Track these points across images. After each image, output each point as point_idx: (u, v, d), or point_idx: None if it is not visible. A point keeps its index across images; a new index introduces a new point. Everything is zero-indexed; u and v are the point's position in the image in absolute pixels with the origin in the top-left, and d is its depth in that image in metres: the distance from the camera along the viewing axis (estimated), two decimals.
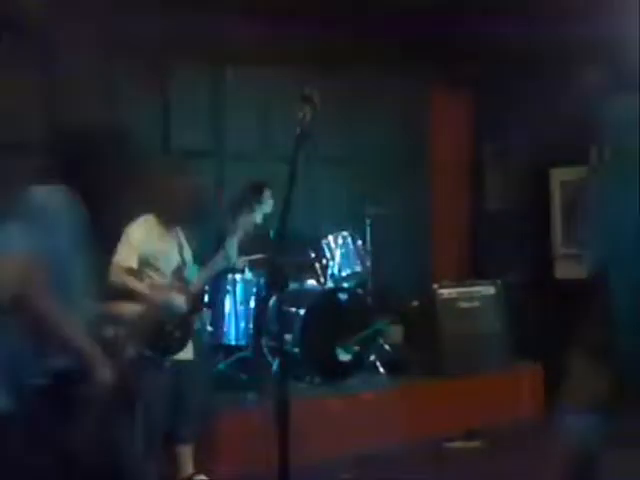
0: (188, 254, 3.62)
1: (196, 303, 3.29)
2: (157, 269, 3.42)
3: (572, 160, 6.11)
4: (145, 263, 3.40)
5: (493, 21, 5.96)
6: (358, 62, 6.59)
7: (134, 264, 3.36)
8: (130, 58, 5.73)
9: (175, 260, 3.50)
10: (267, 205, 5.26)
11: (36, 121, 5.34)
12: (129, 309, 3.15)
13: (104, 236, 2.46)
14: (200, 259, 3.69)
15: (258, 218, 5.20)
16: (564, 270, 6.01)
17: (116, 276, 3.31)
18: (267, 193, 5.29)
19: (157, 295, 3.06)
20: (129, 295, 3.26)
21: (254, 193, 5.16)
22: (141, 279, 3.38)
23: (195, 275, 3.56)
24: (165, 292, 3.28)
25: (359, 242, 5.26)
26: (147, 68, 5.84)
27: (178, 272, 3.45)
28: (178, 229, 3.60)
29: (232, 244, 3.53)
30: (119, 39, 5.64)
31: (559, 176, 6.10)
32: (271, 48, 6.20)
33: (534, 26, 5.93)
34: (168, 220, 3.49)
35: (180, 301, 3.37)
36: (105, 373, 2.12)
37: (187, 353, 3.45)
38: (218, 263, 3.55)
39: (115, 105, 5.66)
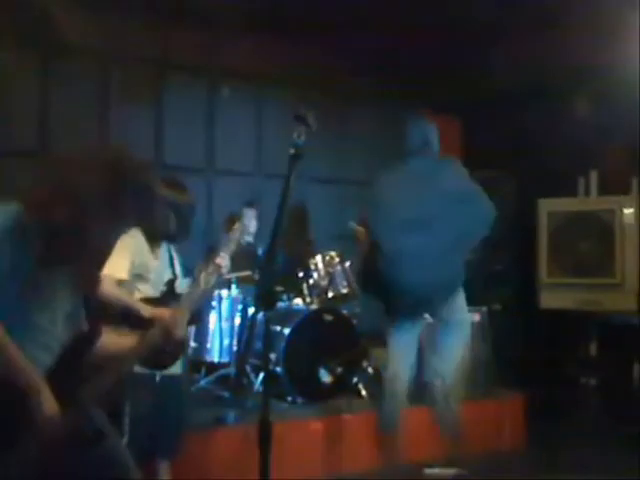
0: (179, 267, 3.60)
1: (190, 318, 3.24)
2: (148, 282, 3.40)
3: (560, 191, 6.22)
4: (136, 275, 3.38)
5: (481, 50, 6.06)
6: (348, 84, 6.67)
7: (125, 276, 3.34)
8: (125, 73, 5.78)
9: (167, 273, 3.48)
10: (250, 224, 5.25)
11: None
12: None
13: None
14: (192, 273, 3.67)
15: (247, 237, 5.20)
16: (549, 300, 6.04)
17: (107, 287, 3.27)
18: (250, 212, 5.28)
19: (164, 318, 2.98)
20: (121, 309, 3.22)
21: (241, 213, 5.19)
22: (131, 292, 3.35)
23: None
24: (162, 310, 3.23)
25: (347, 263, 5.27)
26: (142, 83, 5.88)
27: (170, 285, 3.42)
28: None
29: (224, 259, 3.50)
30: (115, 53, 5.69)
31: (546, 206, 6.16)
32: (265, 67, 6.26)
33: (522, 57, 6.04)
34: (153, 235, 3.47)
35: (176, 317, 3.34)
36: (43, 405, 1.98)
37: (176, 368, 3.42)
38: (210, 279, 3.53)
39: (109, 120, 5.69)
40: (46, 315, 2.09)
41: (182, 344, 3.45)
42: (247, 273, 4.98)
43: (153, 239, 3.46)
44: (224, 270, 3.41)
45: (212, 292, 4.67)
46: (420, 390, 4.46)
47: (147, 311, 3.20)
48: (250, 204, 5.26)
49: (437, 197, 3.94)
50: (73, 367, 2.10)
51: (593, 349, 6.08)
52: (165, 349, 3.33)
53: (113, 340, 2.32)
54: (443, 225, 3.87)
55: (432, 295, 3.98)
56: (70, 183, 1.97)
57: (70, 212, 1.95)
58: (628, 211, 5.81)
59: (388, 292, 3.96)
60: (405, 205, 3.93)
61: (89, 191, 1.96)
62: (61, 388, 2.02)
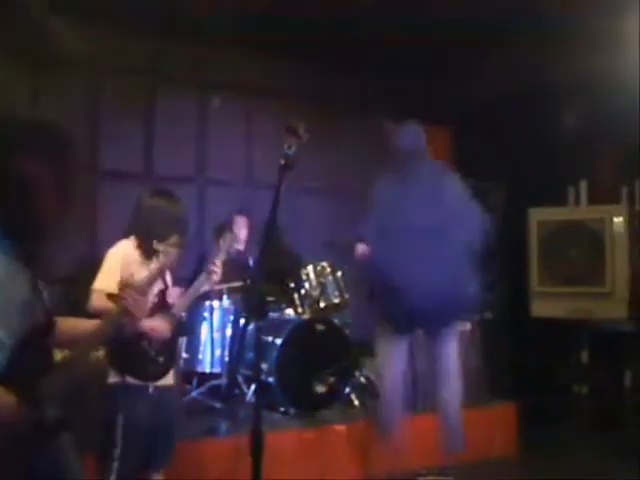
0: (170, 277, 3.60)
1: (179, 327, 3.22)
2: None
3: (550, 200, 6.25)
4: (127, 287, 3.37)
5: (472, 60, 6.10)
6: (338, 95, 6.70)
7: (116, 289, 3.33)
8: (116, 83, 5.79)
9: (156, 284, 3.47)
10: (240, 232, 5.28)
11: None
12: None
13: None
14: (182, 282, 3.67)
15: (238, 246, 5.22)
16: (540, 309, 6.06)
17: (97, 302, 3.27)
18: (241, 220, 5.30)
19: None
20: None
21: (231, 221, 5.21)
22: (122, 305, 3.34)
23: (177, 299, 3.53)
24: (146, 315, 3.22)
25: (338, 273, 5.28)
26: (133, 94, 5.90)
27: (160, 295, 3.42)
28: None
29: (215, 266, 3.49)
30: (106, 65, 5.71)
31: (536, 216, 6.19)
32: (257, 78, 6.29)
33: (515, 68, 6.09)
34: (148, 244, 3.46)
35: (163, 326, 3.33)
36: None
37: (168, 379, 3.41)
38: (200, 286, 3.53)
39: (100, 130, 5.70)
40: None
41: (172, 354, 3.44)
42: (239, 284, 4.98)
43: (151, 252, 3.45)
44: (216, 278, 3.41)
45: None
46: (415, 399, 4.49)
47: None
48: (241, 212, 5.28)
49: (440, 207, 3.88)
50: (31, 358, 2.02)
51: (584, 357, 6.10)
52: (157, 359, 3.34)
53: (73, 324, 2.28)
54: (450, 237, 3.82)
55: (438, 313, 3.90)
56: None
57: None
58: (618, 220, 5.84)
59: (391, 305, 3.91)
60: (410, 215, 3.84)
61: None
62: (19, 380, 1.95)
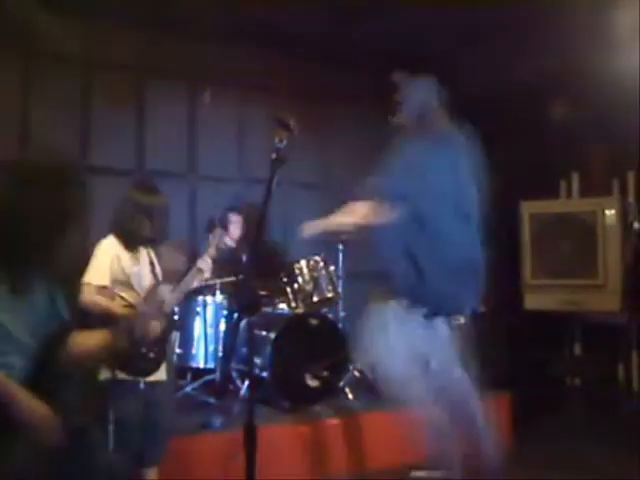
0: (160, 272, 3.59)
1: (170, 322, 3.21)
2: (129, 287, 3.39)
3: (542, 193, 6.26)
4: (117, 281, 3.37)
5: (462, 52, 6.09)
6: (334, 90, 6.68)
7: (106, 282, 3.33)
8: (106, 78, 5.76)
9: (147, 278, 3.47)
10: (235, 230, 5.28)
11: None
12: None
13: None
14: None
15: (230, 241, 5.22)
16: (533, 301, 6.07)
17: (88, 295, 3.28)
18: (235, 218, 5.30)
19: (131, 314, 2.98)
20: (101, 314, 3.22)
21: (225, 216, 5.21)
22: (112, 298, 3.35)
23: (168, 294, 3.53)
24: (139, 311, 3.23)
25: (331, 267, 5.28)
26: (123, 89, 5.87)
27: (151, 290, 3.42)
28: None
29: (205, 262, 3.50)
30: (96, 59, 5.68)
31: (529, 209, 6.20)
32: (248, 73, 6.26)
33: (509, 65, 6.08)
34: (129, 240, 3.46)
35: (154, 320, 3.33)
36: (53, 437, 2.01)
37: (160, 374, 3.41)
38: (191, 281, 3.53)
39: (90, 127, 5.67)
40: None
41: (163, 349, 3.44)
42: (231, 279, 4.98)
43: (130, 244, 3.45)
44: (206, 274, 3.42)
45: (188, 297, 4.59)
46: None
47: (120, 310, 3.22)
48: (235, 210, 5.28)
49: (464, 172, 3.54)
50: (49, 366, 2.10)
51: (577, 349, 6.12)
52: (148, 355, 3.34)
53: (83, 338, 2.31)
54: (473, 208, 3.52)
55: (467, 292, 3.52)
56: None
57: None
58: (610, 212, 5.86)
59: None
60: (443, 179, 3.42)
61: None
62: (40, 388, 2.03)
